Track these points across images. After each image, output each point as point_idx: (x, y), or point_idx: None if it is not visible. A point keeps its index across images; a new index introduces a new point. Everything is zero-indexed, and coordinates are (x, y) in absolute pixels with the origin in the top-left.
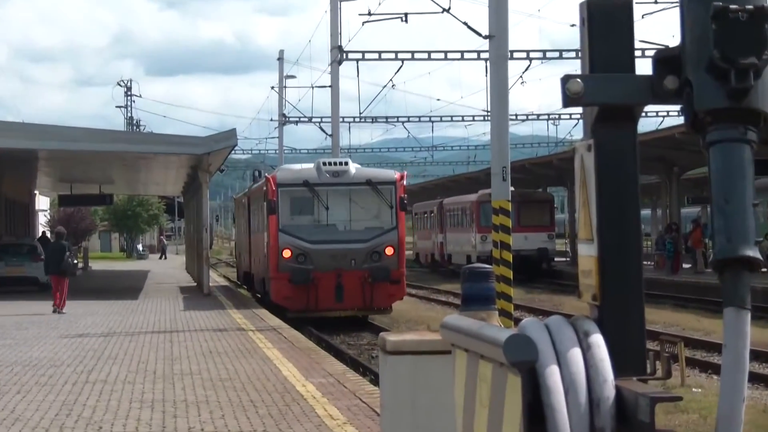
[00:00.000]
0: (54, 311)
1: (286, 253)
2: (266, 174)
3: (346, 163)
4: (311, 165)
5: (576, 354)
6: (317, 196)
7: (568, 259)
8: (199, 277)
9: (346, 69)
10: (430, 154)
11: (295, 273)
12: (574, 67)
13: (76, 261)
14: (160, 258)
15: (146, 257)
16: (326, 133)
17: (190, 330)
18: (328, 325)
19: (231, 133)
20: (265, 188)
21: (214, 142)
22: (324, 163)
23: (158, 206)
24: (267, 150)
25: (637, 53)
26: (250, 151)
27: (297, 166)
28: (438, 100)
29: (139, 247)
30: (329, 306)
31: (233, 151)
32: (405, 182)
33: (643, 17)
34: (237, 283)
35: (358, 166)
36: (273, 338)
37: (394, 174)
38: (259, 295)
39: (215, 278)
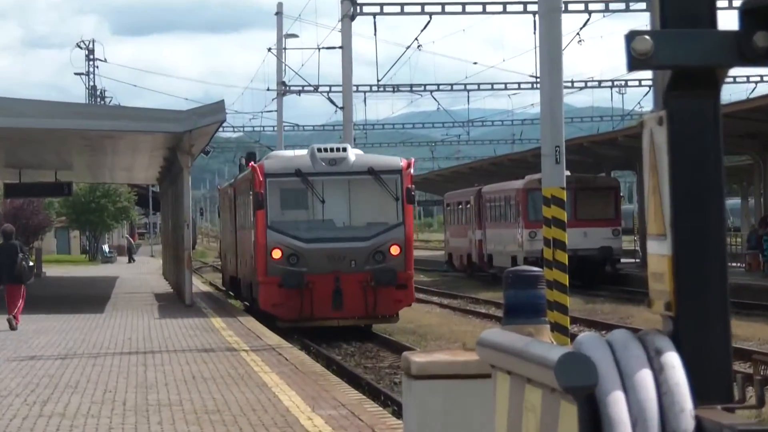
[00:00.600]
0: (10, 325)
1: (276, 254)
2: (255, 162)
3: (345, 149)
4: (304, 151)
5: (646, 377)
6: (311, 187)
7: (637, 260)
8: (180, 284)
9: (361, 26)
10: (466, 131)
11: (286, 276)
12: (643, 21)
13: (31, 263)
14: (129, 261)
15: (114, 260)
16: (336, 106)
17: (169, 350)
18: (326, 336)
19: (218, 106)
20: (251, 179)
21: (198, 117)
22: (319, 150)
23: (128, 197)
24: (263, 127)
25: (721, 4)
26: (242, 129)
27: (288, 153)
28: (475, 63)
29: (105, 247)
30: (326, 314)
31: (221, 129)
32: (412, 171)
33: None
34: (226, 292)
35: (359, 152)
36: (271, 360)
37: (399, 161)
38: (247, 304)
39: (199, 285)
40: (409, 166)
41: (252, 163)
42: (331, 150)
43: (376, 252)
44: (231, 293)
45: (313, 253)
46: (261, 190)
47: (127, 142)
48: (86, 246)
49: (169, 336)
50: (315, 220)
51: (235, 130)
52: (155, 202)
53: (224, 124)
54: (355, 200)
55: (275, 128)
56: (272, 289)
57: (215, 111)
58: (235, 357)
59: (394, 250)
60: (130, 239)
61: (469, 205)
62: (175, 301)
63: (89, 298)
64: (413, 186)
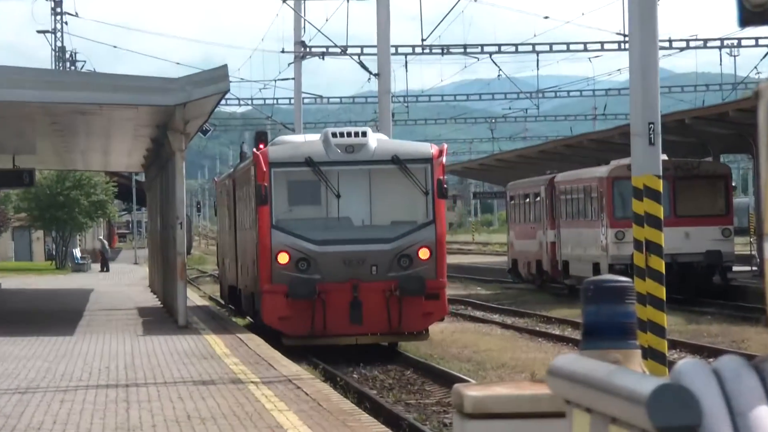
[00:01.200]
0: None
1: (282, 258)
2: (266, 144)
3: (365, 134)
4: (317, 136)
5: (762, 415)
6: (324, 179)
7: (754, 267)
8: (170, 299)
9: None
10: (534, 104)
11: (294, 285)
12: None
13: None
14: (102, 270)
15: (87, 269)
16: (370, 72)
17: (158, 383)
18: (351, 360)
19: (220, 73)
20: (252, 169)
21: (194, 86)
22: (333, 134)
23: (106, 188)
24: (277, 99)
25: None
26: (250, 101)
27: (298, 138)
28: (546, 18)
29: (77, 252)
30: (342, 330)
31: (224, 101)
32: (444, 159)
33: None
34: (226, 305)
35: (383, 137)
36: (288, 395)
37: (429, 148)
38: (250, 319)
39: (196, 300)
40: (440, 153)
41: (259, 147)
42: (349, 135)
43: (401, 256)
44: (231, 307)
45: (326, 258)
46: (264, 182)
47: (105, 119)
48: (52, 250)
49: (158, 364)
50: (329, 217)
51: (242, 103)
52: (140, 195)
53: (227, 96)
54: (377, 194)
55: (292, 101)
56: (278, 300)
57: (216, 79)
58: (241, 391)
59: (423, 253)
60: (104, 242)
61: (538, 198)
62: (165, 321)
63: (56, 316)
64: (445, 177)
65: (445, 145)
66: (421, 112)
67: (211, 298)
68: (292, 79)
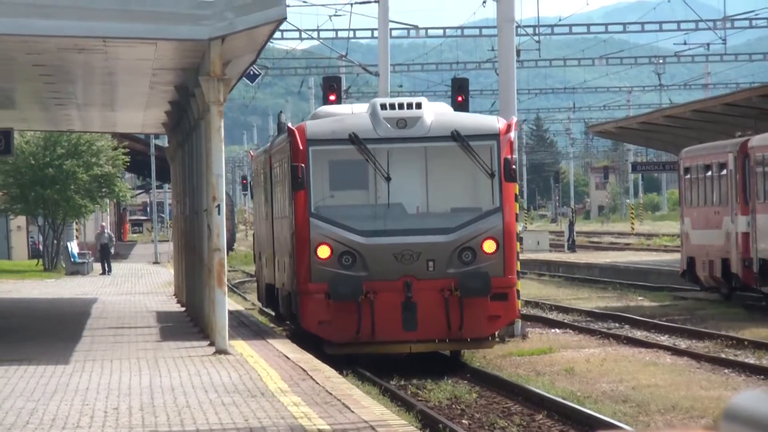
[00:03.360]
0: None
1: (323, 252)
2: (338, 94)
3: (419, 105)
4: (364, 107)
5: None
6: (372, 159)
7: None
8: (204, 313)
9: None
10: (720, 37)
11: (337, 283)
12: None
13: None
14: (104, 272)
15: (88, 270)
16: None
17: None
18: (393, 366)
19: None
20: (288, 146)
21: (236, 12)
22: (383, 106)
23: (113, 157)
24: (353, 31)
25: None
26: (315, 34)
27: (343, 109)
28: None
29: (73, 247)
30: (393, 336)
31: (279, 33)
32: (514, 135)
33: None
34: (265, 310)
35: (444, 108)
36: None
37: (495, 122)
38: (290, 324)
39: (240, 309)
40: (509, 128)
41: (329, 100)
42: (401, 106)
43: (463, 249)
44: (269, 311)
45: (374, 251)
46: (301, 162)
47: (110, 60)
48: (39, 245)
49: (187, 405)
50: (377, 204)
51: (304, 36)
52: (161, 167)
53: (284, 26)
54: (434, 177)
55: (375, 33)
56: (318, 301)
57: (268, 2)
58: None
59: (489, 246)
60: (107, 230)
61: (725, 171)
62: (197, 343)
63: (45, 336)
64: (514, 157)
65: (514, 119)
66: (558, 49)
67: (262, 312)
68: (376, 1)
